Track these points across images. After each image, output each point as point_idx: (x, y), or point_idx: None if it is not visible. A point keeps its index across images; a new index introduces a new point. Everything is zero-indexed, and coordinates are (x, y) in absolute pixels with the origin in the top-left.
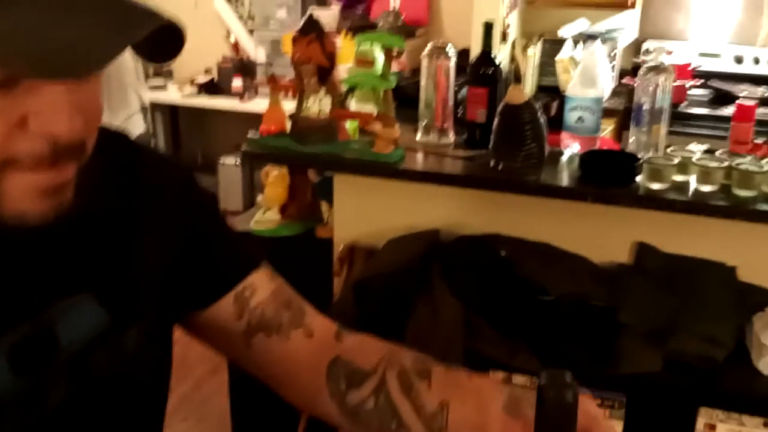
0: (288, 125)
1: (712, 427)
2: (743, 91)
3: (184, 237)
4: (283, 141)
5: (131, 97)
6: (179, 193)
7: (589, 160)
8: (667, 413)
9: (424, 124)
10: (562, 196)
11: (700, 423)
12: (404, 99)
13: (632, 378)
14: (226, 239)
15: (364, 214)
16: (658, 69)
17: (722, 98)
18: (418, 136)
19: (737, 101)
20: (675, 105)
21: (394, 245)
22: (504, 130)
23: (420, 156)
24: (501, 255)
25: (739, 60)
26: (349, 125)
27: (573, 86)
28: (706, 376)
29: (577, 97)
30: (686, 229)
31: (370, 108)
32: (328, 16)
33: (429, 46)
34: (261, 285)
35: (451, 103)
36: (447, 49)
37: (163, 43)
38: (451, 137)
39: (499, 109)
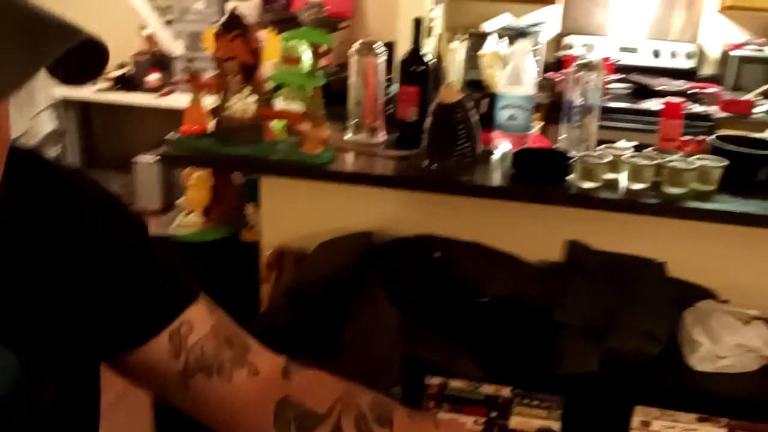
0: (210, 125)
1: (647, 424)
2: (661, 84)
3: (107, 270)
4: (206, 142)
5: (39, 94)
6: (100, 221)
7: (522, 158)
8: (604, 412)
9: (353, 122)
10: (497, 196)
11: (636, 421)
12: (330, 95)
13: (570, 378)
14: (158, 270)
15: (292, 217)
16: (589, 66)
17: (641, 92)
18: (348, 135)
19: (665, 98)
20: None
21: (325, 248)
22: (437, 129)
23: (351, 156)
24: (436, 256)
25: (656, 54)
26: (276, 125)
27: (503, 84)
28: (642, 373)
29: (508, 96)
30: (617, 227)
31: (297, 106)
32: (248, 8)
33: (358, 42)
34: (199, 320)
35: (381, 101)
36: (376, 46)
37: (80, 60)
38: (382, 136)
39: (432, 108)
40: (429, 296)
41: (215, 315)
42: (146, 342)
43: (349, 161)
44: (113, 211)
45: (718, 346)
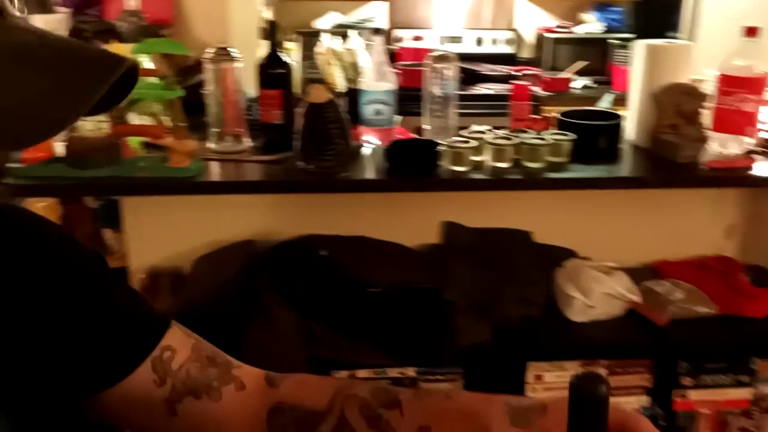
0: (56, 149)
1: (540, 377)
2: (487, 70)
3: (75, 307)
4: (57, 168)
5: None
6: (51, 260)
7: (395, 151)
8: (501, 374)
9: (215, 131)
10: (375, 189)
11: (530, 376)
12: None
13: (467, 350)
14: (127, 300)
15: (163, 236)
16: (444, 58)
17: (471, 78)
18: (211, 145)
19: (513, 82)
20: None
21: (205, 263)
22: (310, 130)
23: (219, 166)
24: (322, 255)
25: (479, 42)
26: (132, 141)
27: (366, 81)
28: (528, 334)
29: (372, 91)
30: (487, 204)
31: (151, 121)
32: (52, 22)
33: (211, 49)
34: (179, 344)
35: (242, 106)
36: (231, 51)
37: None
38: (247, 142)
39: (304, 109)
40: (323, 295)
41: (192, 337)
42: (129, 374)
43: (219, 171)
44: (65, 249)
45: (589, 298)
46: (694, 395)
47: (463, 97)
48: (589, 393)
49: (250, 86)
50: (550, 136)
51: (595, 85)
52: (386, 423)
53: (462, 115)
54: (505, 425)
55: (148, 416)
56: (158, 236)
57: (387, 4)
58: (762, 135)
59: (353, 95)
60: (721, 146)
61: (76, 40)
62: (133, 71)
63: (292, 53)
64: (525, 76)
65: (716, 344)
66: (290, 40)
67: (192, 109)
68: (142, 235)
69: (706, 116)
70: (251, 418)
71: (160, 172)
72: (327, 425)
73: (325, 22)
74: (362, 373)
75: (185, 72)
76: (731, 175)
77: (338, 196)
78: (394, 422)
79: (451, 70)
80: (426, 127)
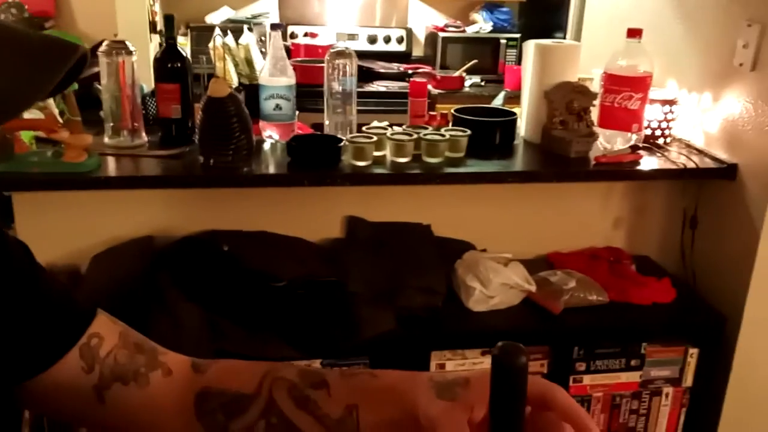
0: None
1: (442, 365)
2: (381, 67)
3: (2, 296)
4: None
5: None
6: None
7: (297, 146)
8: (405, 363)
9: (110, 126)
10: (278, 183)
11: (433, 365)
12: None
13: (371, 340)
14: (53, 289)
15: (58, 233)
16: (343, 54)
17: (366, 75)
18: (106, 140)
19: (411, 79)
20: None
21: (103, 260)
22: (211, 124)
23: (115, 161)
24: (224, 250)
25: (372, 40)
26: (24, 136)
27: (265, 76)
28: (431, 323)
29: (272, 86)
30: (387, 199)
31: (41, 115)
32: None
33: (105, 43)
34: (106, 331)
35: (138, 101)
36: (127, 45)
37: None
38: (144, 137)
39: (203, 103)
40: (226, 290)
41: (118, 324)
42: (57, 361)
43: (116, 166)
44: None
45: (487, 288)
46: (587, 379)
47: (358, 94)
48: (510, 363)
49: (142, 80)
50: (448, 132)
51: (486, 84)
52: (314, 403)
53: (358, 112)
54: (431, 399)
55: (77, 404)
56: (53, 233)
57: (276, 0)
58: (646, 131)
59: (251, 90)
60: (608, 141)
61: (32, 29)
62: (84, 58)
63: (183, 48)
64: (419, 74)
65: (608, 330)
66: (181, 35)
67: (83, 104)
68: (35, 233)
69: (594, 114)
70: (179, 403)
71: (55, 167)
72: (255, 408)
73: (217, 16)
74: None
75: None
76: (618, 170)
77: (239, 191)
78: (322, 402)
79: (350, 67)
80: (326, 123)
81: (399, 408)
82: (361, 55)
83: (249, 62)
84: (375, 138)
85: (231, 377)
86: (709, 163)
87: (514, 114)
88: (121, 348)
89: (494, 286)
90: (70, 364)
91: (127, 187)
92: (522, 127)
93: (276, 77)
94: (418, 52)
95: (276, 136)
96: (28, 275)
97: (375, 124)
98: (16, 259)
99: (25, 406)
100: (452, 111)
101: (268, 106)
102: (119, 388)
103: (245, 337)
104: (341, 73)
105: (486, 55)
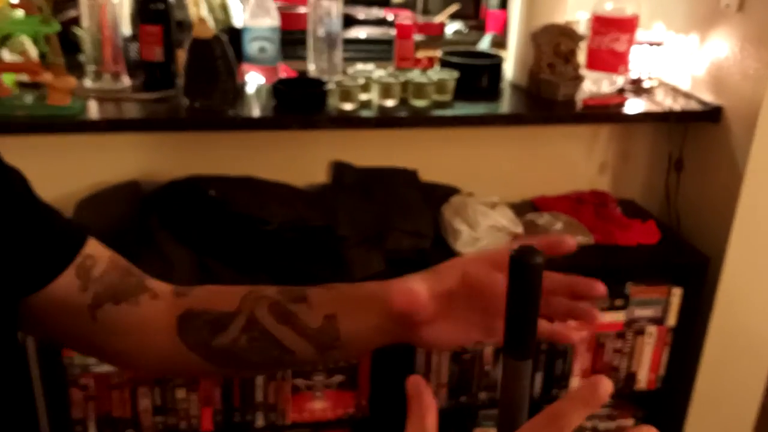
0: None
1: None
2: (360, 13)
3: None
4: None
5: None
6: None
7: (282, 89)
8: None
9: (92, 69)
10: (265, 127)
11: None
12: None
13: (361, 282)
14: (48, 211)
15: (41, 178)
16: None
17: (346, 22)
18: (88, 83)
19: (396, 21)
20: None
21: (89, 205)
22: (195, 67)
23: (99, 104)
24: (211, 195)
25: None
26: (6, 79)
27: (248, 18)
28: (419, 265)
29: (255, 28)
30: (374, 143)
31: (21, 58)
32: None
33: None
34: (99, 253)
35: (120, 44)
36: None
37: None
38: (127, 80)
39: (188, 45)
40: (216, 234)
41: (108, 249)
42: (54, 279)
43: (99, 110)
44: None
45: (475, 231)
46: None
47: (344, 41)
48: (527, 261)
49: (123, 23)
50: (435, 74)
51: (467, 30)
52: (295, 316)
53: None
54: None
55: (70, 322)
56: (37, 179)
57: None
58: (633, 74)
59: (233, 34)
60: (594, 85)
61: None
62: None
63: None
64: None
65: (593, 271)
66: None
67: (63, 47)
68: None
69: (581, 56)
70: (165, 325)
71: (40, 110)
72: (236, 324)
73: None
74: None
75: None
76: (604, 112)
77: (225, 135)
78: (302, 315)
79: (335, 9)
80: (311, 67)
81: (378, 312)
82: None
83: (224, 7)
84: (362, 80)
85: (212, 299)
86: (694, 106)
87: (500, 58)
88: (113, 269)
89: (482, 228)
90: (67, 282)
91: (115, 129)
92: (509, 71)
93: (260, 17)
94: None
95: (261, 79)
96: (26, 196)
97: (360, 66)
98: (16, 181)
99: (19, 327)
100: (439, 54)
101: (252, 48)
102: (111, 308)
103: (235, 279)
104: (326, 15)
105: (467, 1)
